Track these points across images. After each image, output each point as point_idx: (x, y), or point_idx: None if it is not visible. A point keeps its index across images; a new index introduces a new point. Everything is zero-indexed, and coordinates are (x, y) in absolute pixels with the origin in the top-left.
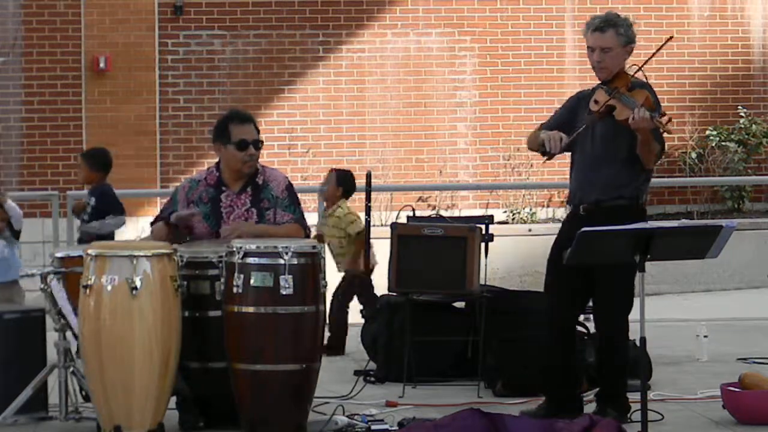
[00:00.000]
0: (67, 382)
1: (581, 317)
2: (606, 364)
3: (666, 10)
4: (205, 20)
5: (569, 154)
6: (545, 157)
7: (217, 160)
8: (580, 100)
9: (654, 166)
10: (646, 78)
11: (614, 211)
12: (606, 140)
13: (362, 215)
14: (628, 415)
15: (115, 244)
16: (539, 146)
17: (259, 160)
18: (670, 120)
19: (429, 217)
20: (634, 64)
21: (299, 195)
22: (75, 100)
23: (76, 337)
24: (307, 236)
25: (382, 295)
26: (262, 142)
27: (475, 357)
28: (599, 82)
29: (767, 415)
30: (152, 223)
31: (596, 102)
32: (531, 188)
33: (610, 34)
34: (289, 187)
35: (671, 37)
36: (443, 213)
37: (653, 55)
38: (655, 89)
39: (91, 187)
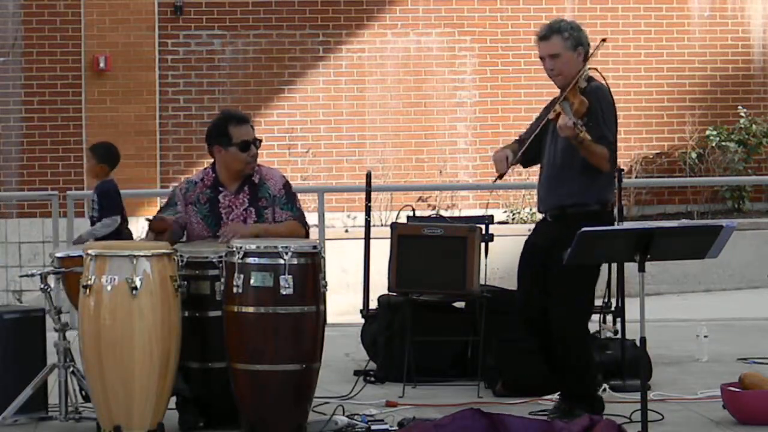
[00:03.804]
0: (67, 382)
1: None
2: (563, 362)
3: (666, 10)
4: (205, 20)
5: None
6: (497, 176)
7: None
8: (551, 104)
9: (610, 169)
10: (605, 78)
11: (580, 217)
12: (565, 147)
13: (362, 215)
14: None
15: (115, 244)
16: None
17: (258, 160)
18: (588, 130)
19: (429, 217)
20: (593, 68)
21: (299, 195)
22: (75, 100)
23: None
24: (307, 233)
25: (382, 295)
26: (261, 141)
27: (475, 357)
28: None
29: (767, 415)
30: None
31: (554, 111)
32: (531, 188)
33: (555, 40)
34: (287, 185)
35: (604, 40)
36: (443, 213)
37: (591, 55)
38: (654, 89)
39: (96, 183)
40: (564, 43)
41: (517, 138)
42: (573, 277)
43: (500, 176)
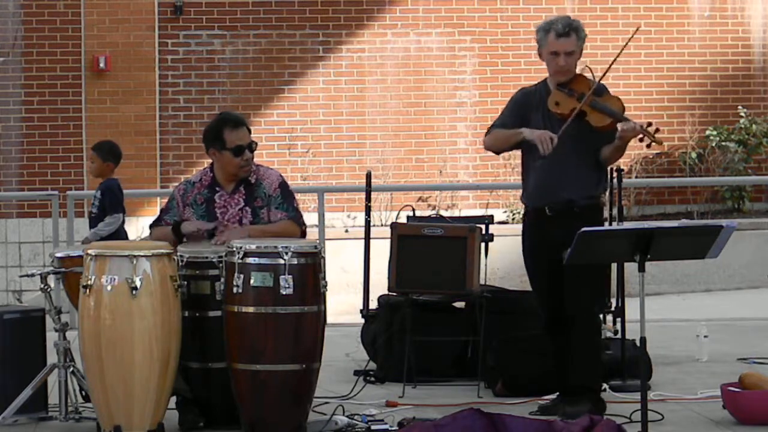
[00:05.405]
0: (67, 382)
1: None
2: (576, 356)
3: (666, 10)
4: (205, 20)
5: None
6: (540, 161)
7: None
8: (527, 96)
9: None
10: (594, 76)
11: (584, 211)
12: (571, 142)
13: (362, 215)
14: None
15: (114, 244)
16: (512, 146)
17: (258, 160)
18: (657, 130)
19: (429, 217)
20: (587, 66)
21: (299, 195)
22: (75, 100)
23: None
24: (303, 233)
25: (382, 295)
26: (257, 143)
27: (475, 357)
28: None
29: (767, 415)
30: (152, 226)
31: (558, 104)
32: None
33: (573, 38)
34: (283, 184)
35: (638, 28)
36: (443, 213)
37: (627, 44)
38: (654, 89)
39: (101, 181)
40: (578, 43)
41: (490, 126)
42: (589, 269)
43: (545, 158)
